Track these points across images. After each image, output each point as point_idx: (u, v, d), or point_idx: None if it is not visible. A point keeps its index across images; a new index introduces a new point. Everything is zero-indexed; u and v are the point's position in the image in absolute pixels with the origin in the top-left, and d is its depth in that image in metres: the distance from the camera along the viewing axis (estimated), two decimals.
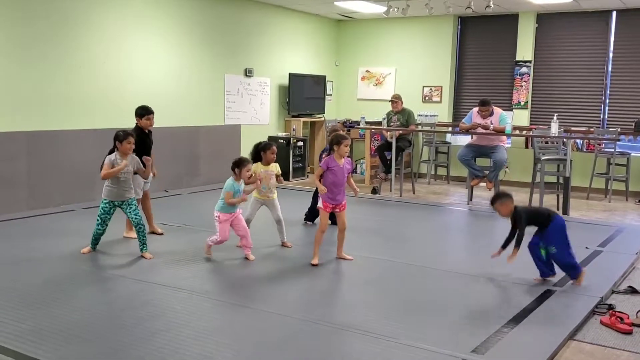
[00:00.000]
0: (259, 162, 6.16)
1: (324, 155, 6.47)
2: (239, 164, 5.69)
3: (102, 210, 5.71)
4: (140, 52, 9.01)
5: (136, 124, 6.38)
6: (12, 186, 7.42)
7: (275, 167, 6.20)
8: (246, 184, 5.80)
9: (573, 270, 5.17)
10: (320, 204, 5.66)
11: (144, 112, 6.39)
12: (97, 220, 5.75)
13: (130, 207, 5.73)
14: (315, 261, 5.65)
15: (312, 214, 7.31)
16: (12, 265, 5.41)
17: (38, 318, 4.16)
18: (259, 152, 6.16)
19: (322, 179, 5.65)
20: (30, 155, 7.58)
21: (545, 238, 5.19)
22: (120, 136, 5.65)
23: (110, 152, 5.73)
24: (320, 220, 5.70)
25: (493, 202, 5.32)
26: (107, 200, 5.70)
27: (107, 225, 5.76)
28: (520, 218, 5.17)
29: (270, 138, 11.45)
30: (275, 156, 6.20)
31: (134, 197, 5.81)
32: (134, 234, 6.08)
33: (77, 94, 8.15)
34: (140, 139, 6.16)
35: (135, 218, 5.72)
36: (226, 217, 5.68)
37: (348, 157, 5.75)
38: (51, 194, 7.79)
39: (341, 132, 6.18)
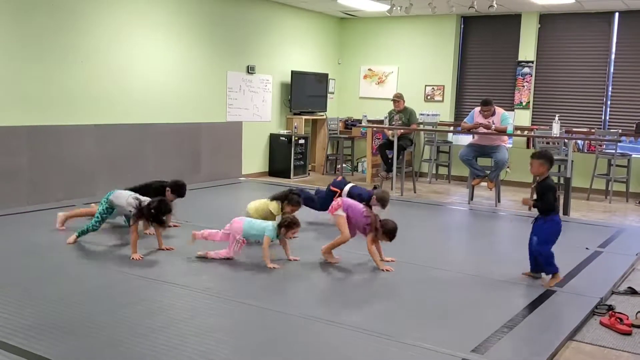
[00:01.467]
0: (278, 205, 6.23)
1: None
2: (290, 226, 5.55)
3: (104, 210, 5.95)
4: (143, 48, 9.01)
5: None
6: (13, 180, 7.43)
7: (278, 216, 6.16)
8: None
9: (548, 266, 5.13)
10: (340, 212, 5.67)
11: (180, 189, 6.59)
12: (97, 218, 5.92)
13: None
14: (329, 257, 5.73)
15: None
16: (12, 260, 5.41)
17: (38, 313, 4.16)
18: (283, 203, 6.24)
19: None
20: (31, 150, 7.58)
21: (537, 227, 5.20)
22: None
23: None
24: (343, 231, 5.64)
25: (536, 155, 5.31)
26: (109, 204, 5.97)
27: (102, 223, 6.00)
28: (547, 191, 5.12)
29: (272, 135, 11.48)
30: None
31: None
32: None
33: (79, 89, 8.15)
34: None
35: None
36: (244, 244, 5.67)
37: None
38: (52, 189, 7.79)
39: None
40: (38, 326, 3.93)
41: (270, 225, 5.61)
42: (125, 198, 5.81)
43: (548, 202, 5.14)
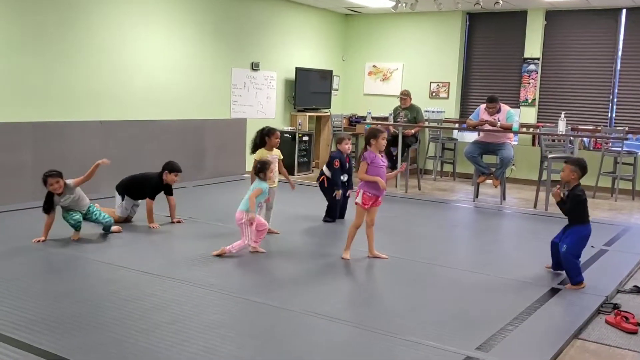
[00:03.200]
0: (263, 148, 6.26)
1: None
2: (263, 168, 5.66)
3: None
4: (147, 44, 9.00)
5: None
6: (17, 176, 7.43)
7: (278, 152, 6.34)
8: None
9: (575, 277, 5.06)
10: (358, 200, 5.56)
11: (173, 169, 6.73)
12: (106, 215, 6.18)
13: (94, 214, 6.12)
14: (346, 255, 5.62)
15: (332, 212, 7.21)
16: (16, 255, 5.42)
17: (42, 308, 4.16)
18: (263, 138, 6.28)
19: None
20: (35, 146, 7.58)
21: (566, 235, 5.17)
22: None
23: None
24: (357, 217, 5.58)
25: (570, 161, 5.24)
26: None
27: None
28: (578, 201, 5.10)
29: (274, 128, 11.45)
30: (279, 141, 6.30)
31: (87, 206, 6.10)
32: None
33: (83, 85, 8.15)
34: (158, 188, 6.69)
35: (105, 221, 6.16)
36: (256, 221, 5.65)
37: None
38: None
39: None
40: (42, 321, 3.93)
41: (249, 190, 5.64)
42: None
43: (579, 213, 5.15)
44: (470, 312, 4.45)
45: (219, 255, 5.56)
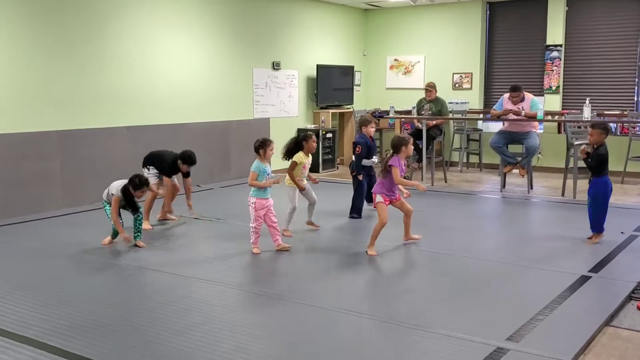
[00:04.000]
0: (301, 152, 6.39)
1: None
2: (263, 145, 5.78)
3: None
4: (169, 48, 9.08)
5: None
6: (47, 184, 7.56)
7: (310, 158, 6.54)
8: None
9: (596, 224, 5.93)
10: (380, 199, 5.75)
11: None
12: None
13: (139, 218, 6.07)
14: (372, 252, 5.68)
15: (357, 208, 7.26)
16: (49, 261, 5.52)
17: (75, 314, 4.24)
18: (299, 143, 6.43)
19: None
20: (63, 154, 7.71)
21: (590, 187, 5.98)
22: (137, 184, 5.89)
23: (125, 191, 5.89)
24: (381, 214, 5.71)
25: (596, 125, 6.00)
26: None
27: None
28: (602, 157, 5.89)
29: (299, 130, 11.49)
30: (316, 144, 6.52)
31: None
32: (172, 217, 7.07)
33: (109, 91, 8.25)
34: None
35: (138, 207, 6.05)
36: (261, 205, 5.70)
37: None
38: (85, 191, 7.90)
39: (401, 135, 6.50)
40: (77, 326, 4.00)
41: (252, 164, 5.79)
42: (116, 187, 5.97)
43: (601, 168, 5.92)
44: (500, 302, 4.44)
45: (257, 254, 5.72)
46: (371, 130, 7.36)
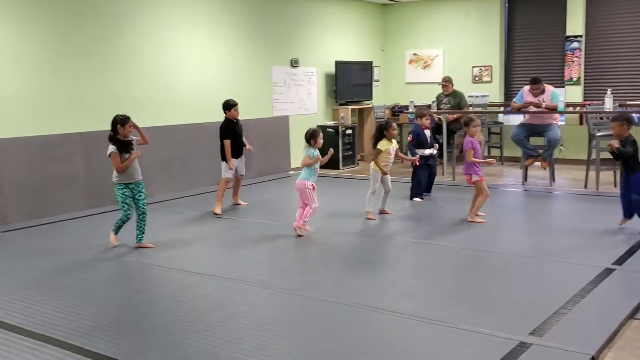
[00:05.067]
0: (384, 140, 6.92)
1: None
2: (313, 135, 6.35)
3: (123, 196, 5.83)
4: (188, 49, 9.14)
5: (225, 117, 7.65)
6: (71, 186, 7.64)
7: (395, 143, 7.07)
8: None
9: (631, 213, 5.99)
10: (476, 178, 6.68)
11: (229, 105, 7.65)
12: (124, 206, 5.84)
13: (141, 192, 5.92)
14: (476, 219, 6.65)
15: (417, 190, 7.98)
16: (73, 262, 5.58)
17: (99, 314, 4.29)
18: (382, 131, 6.96)
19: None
20: (86, 156, 7.78)
21: (631, 185, 5.90)
22: (120, 120, 5.85)
23: (111, 138, 5.86)
24: (484, 190, 6.68)
25: (617, 118, 6.05)
26: (123, 185, 5.85)
27: (132, 207, 5.90)
28: (633, 142, 5.88)
29: (319, 127, 11.49)
30: (396, 132, 7.10)
31: (142, 180, 5.98)
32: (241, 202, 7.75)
33: (128, 93, 8.33)
34: (229, 127, 7.57)
35: (143, 207, 5.92)
36: (312, 185, 6.27)
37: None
38: (108, 192, 7.90)
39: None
40: (101, 326, 4.05)
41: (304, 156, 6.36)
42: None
43: (637, 160, 5.88)
44: (523, 296, 4.42)
45: (299, 235, 6.17)
46: (426, 122, 7.97)
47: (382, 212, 7.09)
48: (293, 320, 4.14)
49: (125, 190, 5.85)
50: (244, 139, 7.77)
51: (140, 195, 5.91)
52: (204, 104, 9.35)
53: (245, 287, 4.76)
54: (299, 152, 10.97)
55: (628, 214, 6.11)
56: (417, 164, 7.78)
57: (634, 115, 10.28)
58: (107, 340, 3.82)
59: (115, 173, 5.86)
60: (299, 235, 6.17)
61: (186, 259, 5.60)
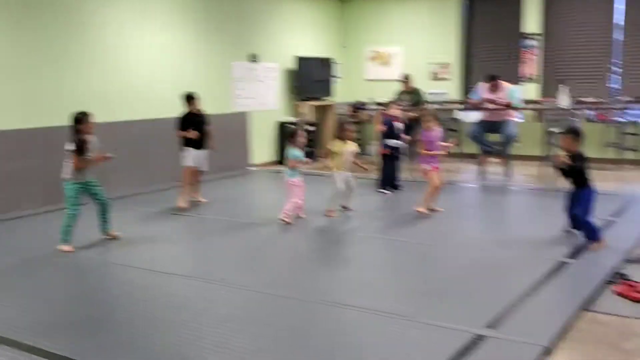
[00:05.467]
0: (338, 141, 6.90)
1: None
2: (292, 134, 6.62)
3: (76, 192, 5.78)
4: (147, 43, 9.03)
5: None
6: (28, 183, 7.50)
7: (352, 145, 6.99)
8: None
9: (592, 233, 5.43)
10: (427, 167, 6.84)
11: (187, 98, 7.58)
12: (74, 202, 5.76)
13: (96, 187, 5.91)
14: (425, 210, 6.80)
15: (385, 182, 8.14)
16: (28, 260, 5.49)
17: (56, 313, 4.24)
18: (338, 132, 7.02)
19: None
20: (45, 152, 7.62)
21: (579, 201, 5.50)
22: (81, 118, 5.82)
23: (73, 134, 5.79)
24: (434, 180, 6.82)
25: (566, 131, 5.70)
26: (77, 183, 5.78)
27: (81, 205, 5.85)
28: (581, 159, 5.47)
29: (279, 123, 11.50)
30: (349, 132, 6.97)
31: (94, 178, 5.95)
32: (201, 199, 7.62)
33: (86, 88, 8.19)
34: (186, 119, 7.50)
35: (102, 199, 5.94)
36: (300, 183, 6.56)
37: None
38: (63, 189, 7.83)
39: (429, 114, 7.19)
40: (58, 325, 4.00)
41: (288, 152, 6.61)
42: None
43: (585, 175, 5.51)
44: (479, 290, 4.50)
45: (288, 222, 6.44)
46: (394, 111, 8.12)
47: (344, 207, 7.08)
48: (253, 317, 4.13)
49: (77, 187, 5.79)
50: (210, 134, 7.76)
51: (97, 189, 5.91)
52: (163, 99, 9.24)
53: (204, 284, 4.74)
54: (259, 148, 11.04)
55: (572, 225, 5.77)
56: (384, 152, 8.03)
57: (588, 112, 10.58)
58: (64, 339, 3.77)
59: (69, 170, 5.77)
60: (287, 223, 6.45)
61: (145, 257, 5.54)
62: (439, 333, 3.72)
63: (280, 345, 3.65)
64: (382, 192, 8.04)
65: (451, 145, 7.34)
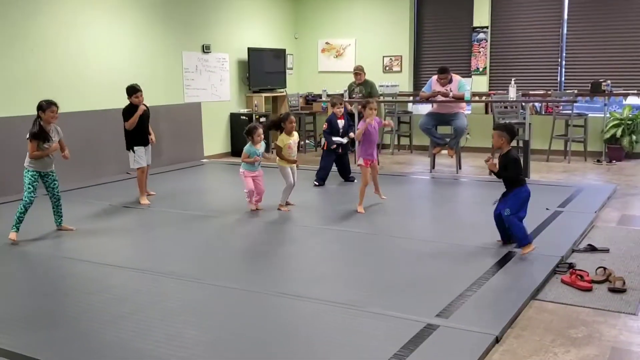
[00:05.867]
0: (282, 135, 6.78)
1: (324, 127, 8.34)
2: (250, 132, 6.59)
3: (32, 179, 5.71)
4: (94, 32, 8.83)
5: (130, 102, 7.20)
6: None
7: (296, 136, 6.96)
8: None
9: (523, 239, 5.05)
10: (360, 162, 6.70)
11: (132, 91, 7.17)
12: (29, 189, 5.66)
13: (54, 181, 5.88)
14: (361, 209, 6.60)
15: (319, 175, 8.19)
16: None
17: (2, 307, 4.12)
18: (279, 124, 6.85)
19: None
20: None
21: (507, 200, 5.12)
22: (43, 105, 5.74)
23: (35, 122, 5.75)
24: (364, 176, 6.66)
25: (497, 127, 5.26)
26: (35, 172, 5.74)
27: (36, 192, 5.76)
28: (514, 162, 5.10)
29: (232, 115, 11.40)
30: (295, 125, 6.89)
31: (54, 170, 5.91)
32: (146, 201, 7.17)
33: (30, 78, 7.98)
34: (132, 112, 7.12)
35: (57, 193, 5.91)
36: (249, 174, 6.60)
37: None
38: (11, 181, 7.61)
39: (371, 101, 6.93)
40: (4, 320, 3.89)
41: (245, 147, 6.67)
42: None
43: (517, 176, 5.12)
44: (429, 280, 4.53)
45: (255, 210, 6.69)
46: (337, 110, 8.18)
47: (287, 204, 6.90)
48: (203, 309, 4.08)
49: (35, 174, 5.74)
50: (150, 129, 7.45)
51: (54, 184, 5.88)
52: (112, 89, 9.06)
53: (154, 277, 4.67)
54: (211, 139, 10.93)
55: (506, 239, 5.33)
56: (324, 148, 8.16)
57: (536, 105, 10.78)
58: (11, 334, 3.67)
59: (28, 159, 5.72)
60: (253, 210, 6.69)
61: (94, 250, 5.43)
62: (390, 322, 3.74)
63: (233, 337, 3.62)
64: (316, 183, 8.11)
65: (389, 123, 7.72)
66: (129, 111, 7.12)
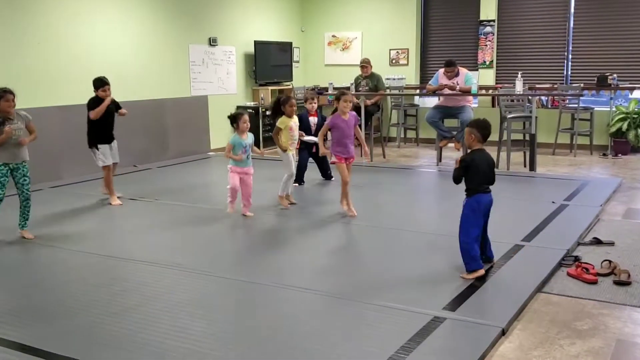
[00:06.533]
0: (283, 117, 6.52)
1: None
2: (235, 118, 6.10)
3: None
4: (102, 25, 8.85)
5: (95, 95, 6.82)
6: None
7: (297, 119, 6.69)
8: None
9: (467, 262, 4.37)
10: (334, 159, 6.14)
11: (99, 83, 6.79)
12: None
13: (25, 177, 5.47)
14: (351, 213, 6.12)
15: (300, 176, 7.63)
16: None
17: (13, 300, 4.15)
18: (279, 107, 6.59)
19: (326, 139, 6.30)
20: None
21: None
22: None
23: None
24: (342, 173, 6.11)
25: (469, 123, 4.70)
26: (2, 163, 5.34)
27: (5, 188, 5.40)
28: (464, 166, 4.47)
29: (238, 108, 11.38)
30: (295, 108, 6.62)
31: (27, 162, 5.54)
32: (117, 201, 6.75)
33: (38, 71, 8.00)
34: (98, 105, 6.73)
35: (27, 192, 5.50)
36: (236, 170, 6.08)
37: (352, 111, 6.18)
38: None
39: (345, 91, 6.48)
40: (10, 313, 3.91)
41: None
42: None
43: (453, 180, 4.51)
44: (436, 273, 4.54)
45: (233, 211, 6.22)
46: (309, 106, 7.69)
47: (287, 197, 6.67)
48: (211, 301, 4.11)
49: (3, 169, 5.35)
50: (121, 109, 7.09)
51: (25, 180, 5.47)
52: (119, 82, 9.04)
53: (161, 269, 4.69)
54: (218, 132, 10.94)
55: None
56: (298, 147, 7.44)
57: (542, 98, 10.75)
58: (18, 326, 3.69)
59: None
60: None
61: (99, 243, 5.46)
62: (397, 315, 3.75)
63: (240, 329, 3.64)
64: (295, 184, 7.34)
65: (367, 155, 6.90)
66: (95, 102, 6.73)
